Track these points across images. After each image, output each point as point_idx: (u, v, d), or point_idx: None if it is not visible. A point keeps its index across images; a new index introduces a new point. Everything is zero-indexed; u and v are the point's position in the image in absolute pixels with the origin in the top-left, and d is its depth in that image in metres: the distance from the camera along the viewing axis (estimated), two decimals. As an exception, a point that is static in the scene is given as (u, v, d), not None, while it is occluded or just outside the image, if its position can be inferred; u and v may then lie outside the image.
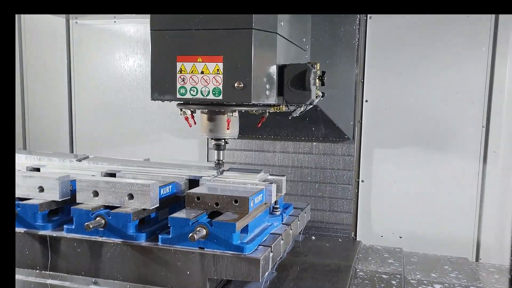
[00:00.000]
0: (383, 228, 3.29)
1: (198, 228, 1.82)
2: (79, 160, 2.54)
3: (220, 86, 1.98)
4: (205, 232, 1.82)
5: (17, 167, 2.46)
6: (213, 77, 1.97)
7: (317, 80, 2.25)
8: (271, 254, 1.94)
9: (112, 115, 3.94)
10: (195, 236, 1.76)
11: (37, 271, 1.98)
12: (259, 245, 1.96)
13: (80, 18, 3.85)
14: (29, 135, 4.16)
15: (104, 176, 2.40)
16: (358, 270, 2.52)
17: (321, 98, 2.47)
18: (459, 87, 3.07)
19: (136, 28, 3.79)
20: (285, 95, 2.12)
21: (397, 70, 3.17)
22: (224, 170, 2.44)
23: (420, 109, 3.15)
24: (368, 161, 3.29)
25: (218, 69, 1.96)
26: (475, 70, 3.03)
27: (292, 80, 2.08)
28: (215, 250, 1.83)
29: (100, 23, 3.85)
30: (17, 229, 2.00)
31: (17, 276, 1.99)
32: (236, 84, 1.95)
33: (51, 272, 1.96)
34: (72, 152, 4.08)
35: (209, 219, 1.89)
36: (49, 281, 1.95)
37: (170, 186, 2.25)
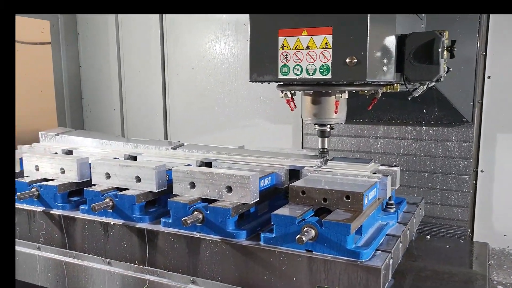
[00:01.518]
0: (507, 225, 2.80)
1: (305, 228, 1.58)
2: (174, 148, 2.43)
3: (329, 63, 1.69)
4: (314, 233, 1.57)
5: (115, 155, 2.42)
6: (321, 52, 1.69)
7: (445, 51, 1.86)
8: (391, 261, 1.64)
9: (203, 100, 3.85)
10: (304, 238, 1.52)
11: (136, 265, 1.89)
12: (376, 249, 1.67)
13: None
14: (126, 123, 4.23)
15: (200, 165, 2.26)
16: (495, 282, 2.10)
17: (445, 74, 2.07)
18: None
19: (227, 8, 3.61)
20: (406, 71, 1.78)
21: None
22: (327, 160, 2.17)
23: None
24: (490, 148, 2.81)
25: (326, 43, 1.68)
26: None
27: (416, 52, 1.73)
28: (325, 255, 1.57)
29: (191, 5, 3.74)
30: (116, 221, 1.93)
31: (116, 269, 1.92)
32: (348, 60, 1.66)
33: (149, 267, 1.86)
34: (166, 137, 4.07)
35: (317, 218, 1.63)
36: (147, 277, 1.86)
37: (270, 178, 2.03)
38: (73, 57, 4.22)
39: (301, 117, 3.35)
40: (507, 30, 2.66)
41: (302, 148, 3.42)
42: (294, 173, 2.16)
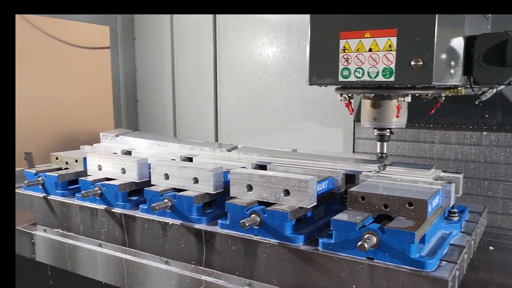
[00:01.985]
0: None
1: (367, 235, 1.54)
2: (229, 150, 2.45)
3: (392, 66, 1.64)
4: (375, 241, 1.53)
5: (171, 156, 2.48)
6: (384, 54, 1.65)
7: (518, 53, 1.76)
8: (457, 273, 1.56)
9: (254, 103, 3.87)
10: (366, 245, 1.48)
11: (192, 265, 1.92)
12: (441, 259, 1.60)
13: (225, 5, 3.82)
14: (178, 124, 4.33)
15: (254, 168, 2.27)
16: None
17: (515, 77, 1.96)
18: None
19: (280, 11, 3.61)
20: (474, 74, 1.69)
21: None
22: (385, 165, 2.11)
23: None
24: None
25: (390, 45, 1.63)
26: None
27: (486, 54, 1.65)
28: (387, 263, 1.53)
29: (244, 9, 3.77)
30: (174, 221, 1.97)
31: (173, 269, 1.96)
32: (413, 62, 1.60)
33: (205, 268, 1.88)
34: (216, 138, 4.12)
35: (379, 225, 1.59)
36: (204, 277, 1.88)
37: (326, 182, 2.00)
38: (130, 61, 4.38)
39: (354, 121, 3.32)
40: None
41: (353, 152, 3.35)
42: (350, 178, 2.12)
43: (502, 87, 1.95)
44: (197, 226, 1.91)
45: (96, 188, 2.19)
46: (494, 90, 1.92)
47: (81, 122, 3.98)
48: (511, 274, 2.20)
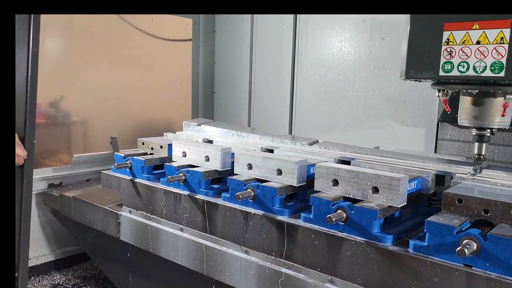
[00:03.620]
0: None
1: (466, 241, 1.43)
2: (310, 144, 2.42)
3: (503, 60, 1.52)
4: (475, 247, 1.42)
5: (252, 147, 2.49)
6: (494, 48, 1.53)
7: None
8: None
9: (331, 98, 3.79)
10: (465, 251, 1.38)
11: (273, 257, 1.91)
12: (550, 274, 1.45)
13: (308, -2, 3.78)
14: (253, 117, 4.36)
15: (337, 163, 2.21)
16: None
17: None
18: None
19: (364, 4, 3.50)
20: None
21: None
22: (482, 168, 1.96)
23: None
24: None
25: (502, 38, 1.51)
26: None
27: None
28: (488, 272, 1.41)
29: (327, 2, 3.70)
30: (256, 211, 1.97)
31: (253, 259, 1.96)
32: (528, 57, 1.47)
33: (285, 261, 1.87)
34: (290, 133, 4.10)
35: (479, 230, 1.48)
36: (283, 270, 1.86)
37: (416, 182, 1.90)
38: (209, 53, 4.48)
39: (438, 121, 3.14)
40: None
41: (435, 152, 3.18)
42: (440, 179, 2.00)
43: None
44: (279, 218, 1.90)
45: (180, 174, 2.25)
46: None
47: (161, 110, 4.15)
48: None
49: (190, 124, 2.95)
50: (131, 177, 2.52)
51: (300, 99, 4.01)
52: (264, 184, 1.97)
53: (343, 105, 3.73)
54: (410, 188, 1.85)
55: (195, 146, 2.32)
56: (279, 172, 1.98)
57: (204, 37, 4.38)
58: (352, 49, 3.63)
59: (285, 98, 4.08)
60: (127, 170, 2.53)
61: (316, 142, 2.48)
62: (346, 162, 2.21)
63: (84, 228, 2.93)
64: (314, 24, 3.80)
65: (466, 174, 1.89)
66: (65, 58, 3.48)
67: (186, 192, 2.25)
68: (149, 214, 2.43)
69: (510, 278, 1.38)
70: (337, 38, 3.68)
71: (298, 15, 3.87)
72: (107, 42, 3.69)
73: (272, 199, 1.93)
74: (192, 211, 2.22)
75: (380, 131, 3.56)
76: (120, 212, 2.56)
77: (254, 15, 4.16)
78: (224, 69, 4.49)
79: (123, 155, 2.57)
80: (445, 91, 1.83)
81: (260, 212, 1.96)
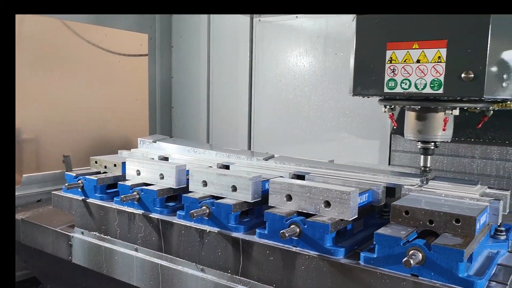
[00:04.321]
0: None
1: (412, 251, 1.49)
2: (266, 159, 2.44)
3: (441, 78, 1.60)
4: (421, 257, 1.48)
5: (208, 163, 2.49)
6: (433, 66, 1.61)
7: None
8: (507, 295, 1.49)
9: (289, 113, 3.85)
10: (411, 262, 1.43)
11: (229, 274, 1.90)
12: (490, 280, 1.53)
13: (263, 15, 3.85)
14: (212, 132, 4.35)
15: (292, 178, 2.24)
16: None
17: None
18: None
19: (318, 22, 3.60)
20: (528, 88, 1.63)
21: None
22: (428, 179, 2.05)
23: None
24: None
25: (439, 57, 1.60)
26: None
27: (542, 67, 1.58)
28: (433, 281, 1.47)
29: (281, 19, 3.78)
30: (211, 229, 1.96)
31: (209, 277, 1.95)
32: (463, 75, 1.56)
33: (241, 278, 1.87)
34: (249, 147, 4.12)
35: (424, 241, 1.54)
36: (239, 287, 1.86)
37: (367, 194, 1.96)
38: (166, 68, 4.45)
39: (391, 133, 3.25)
40: None
41: (389, 164, 3.29)
42: (390, 191, 2.07)
43: (555, 102, 1.87)
44: (234, 234, 1.90)
45: (134, 193, 2.21)
46: (548, 105, 1.85)
47: (117, 127, 4.06)
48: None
49: (145, 141, 2.92)
50: (83, 197, 2.45)
51: (258, 114, 4.05)
52: (219, 201, 1.97)
53: (300, 119, 3.80)
54: (361, 201, 1.90)
55: (149, 164, 2.29)
56: (234, 188, 1.99)
57: (161, 52, 4.36)
58: (308, 64, 3.71)
59: (243, 112, 4.10)
60: (79, 190, 2.45)
61: (272, 157, 2.50)
62: (301, 176, 2.25)
63: (34, 252, 2.81)
64: (270, 40, 3.87)
65: (413, 185, 1.97)
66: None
67: (140, 211, 2.21)
68: (102, 235, 2.36)
69: (453, 286, 1.44)
70: (293, 54, 3.76)
71: (254, 30, 3.93)
72: (60, 57, 3.59)
73: (227, 216, 1.93)
74: (147, 231, 2.18)
75: (337, 143, 3.65)
76: (71, 234, 2.48)
77: (211, 30, 4.19)
78: (182, 84, 4.47)
79: (74, 174, 2.49)
80: (392, 107, 1.91)
81: (216, 229, 1.96)
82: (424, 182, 2.00)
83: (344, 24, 3.32)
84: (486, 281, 1.49)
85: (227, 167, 2.45)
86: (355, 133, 3.57)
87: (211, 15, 4.16)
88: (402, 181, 2.04)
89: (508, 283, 1.52)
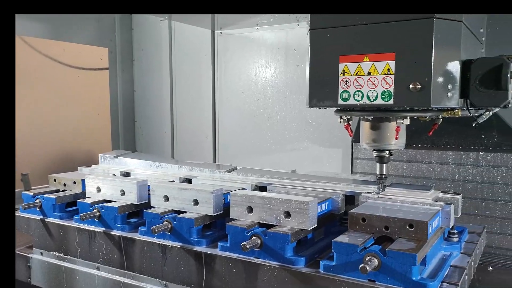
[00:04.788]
0: None
1: (368, 258, 1.53)
2: (229, 171, 2.46)
3: (391, 89, 1.67)
4: (377, 263, 1.53)
5: (170, 178, 2.48)
6: (383, 78, 1.68)
7: (513, 77, 1.79)
8: (459, 295, 1.56)
9: (253, 124, 3.89)
10: (367, 268, 1.48)
11: (192, 288, 1.90)
12: (442, 281, 1.60)
13: (224, 28, 3.89)
14: (177, 145, 4.33)
15: (254, 189, 2.27)
16: None
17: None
18: None
19: (278, 34, 3.68)
20: (471, 97, 1.72)
21: None
22: (385, 186, 2.12)
23: None
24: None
25: (389, 69, 1.66)
26: None
27: (482, 78, 1.68)
28: (389, 285, 1.52)
29: (242, 32, 3.83)
30: (174, 243, 1.95)
31: (173, 292, 1.94)
32: (411, 86, 1.63)
33: (205, 291, 1.87)
34: (215, 159, 4.13)
35: (380, 247, 1.59)
36: (203, 301, 1.86)
37: (326, 203, 2.01)
38: (128, 81, 4.41)
39: (352, 142, 3.34)
40: None
41: (351, 172, 3.36)
42: (350, 199, 2.13)
43: (497, 109, 1.98)
44: (197, 248, 1.90)
45: (94, 211, 2.17)
46: (491, 113, 1.95)
47: (78, 142, 3.98)
48: (512, 295, 2.20)
49: (106, 156, 2.87)
50: (42, 217, 2.38)
51: (222, 126, 4.07)
52: (180, 215, 1.96)
53: (264, 130, 3.85)
54: (321, 210, 1.94)
55: (109, 180, 2.26)
56: (196, 202, 1.99)
57: (122, 65, 4.32)
58: (270, 75, 3.77)
59: (207, 124, 4.11)
60: (37, 209, 2.39)
61: (235, 169, 2.52)
62: (264, 187, 2.28)
63: (-9, 275, 2.70)
64: (232, 52, 3.91)
65: (371, 193, 2.03)
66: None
67: (101, 229, 2.17)
68: (62, 255, 2.31)
69: (408, 289, 1.49)
70: (255, 65, 3.81)
71: (215, 42, 3.96)
72: (19, 72, 3.49)
73: (189, 230, 1.93)
74: (108, 248, 2.14)
75: (300, 153, 3.71)
76: (30, 255, 2.40)
77: (172, 42, 4.19)
78: (145, 97, 4.44)
79: (32, 194, 2.43)
80: (349, 117, 1.97)
81: (178, 244, 1.95)
82: (381, 189, 2.07)
83: (303, 36, 3.40)
84: (439, 283, 1.55)
85: (190, 181, 2.44)
86: (318, 142, 3.64)
87: (172, 28, 4.17)
88: (361, 189, 2.10)
89: (459, 283, 1.59)
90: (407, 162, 3.07)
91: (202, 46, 4.02)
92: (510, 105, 1.83)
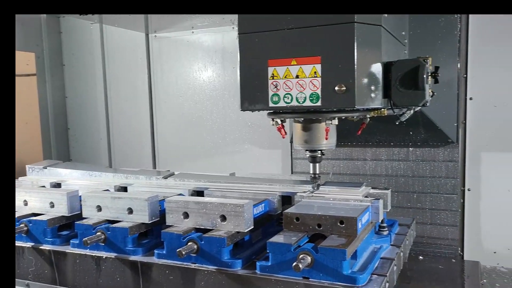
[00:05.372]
0: (496, 243, 2.82)
1: (301, 256, 1.58)
2: (165, 178, 2.42)
3: (318, 91, 1.73)
4: (310, 260, 1.58)
5: (105, 187, 2.40)
6: (310, 81, 1.73)
7: (430, 77, 1.92)
8: (387, 285, 1.64)
9: (192, 127, 3.86)
10: (300, 266, 1.52)
11: (129, 299, 1.85)
12: (372, 273, 1.67)
13: (159, 31, 3.82)
14: (114, 152, 4.20)
15: (192, 194, 2.26)
16: (489, 302, 2.12)
17: (430, 98, 2.13)
18: None
19: (214, 37, 3.68)
20: (393, 97, 1.82)
21: (507, 61, 2.70)
22: (319, 184, 2.19)
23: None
24: (475, 167, 2.85)
25: (315, 72, 1.72)
26: None
27: (402, 79, 1.78)
28: (322, 281, 1.57)
29: (178, 35, 3.79)
30: (108, 254, 1.89)
31: (109, 304, 1.88)
32: (337, 88, 1.70)
33: (143, 301, 1.83)
34: (155, 165, 4.05)
35: (313, 244, 1.64)
36: (141, 311, 1.82)
37: (263, 205, 2.04)
38: (59, 88, 4.21)
39: (290, 142, 3.41)
40: (484, 53, 2.76)
41: (292, 172, 3.43)
42: (287, 199, 2.17)
43: (418, 108, 2.11)
44: (132, 258, 1.85)
45: (22, 225, 2.06)
46: (412, 111, 2.08)
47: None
48: (438, 281, 2.36)
49: (34, 167, 2.73)
50: (-37, 235, 2.22)
51: (161, 131, 4.00)
52: (114, 225, 1.91)
53: (203, 133, 3.82)
54: (257, 212, 1.97)
55: (37, 192, 2.15)
56: (130, 211, 1.95)
57: (51, 71, 4.11)
58: (207, 78, 3.76)
59: (145, 130, 4.02)
60: (-43, 227, 2.22)
61: (172, 174, 2.49)
62: (201, 192, 2.27)
63: None
64: (168, 55, 3.86)
65: (306, 192, 2.09)
66: None
67: (29, 244, 2.06)
68: (-13, 274, 2.16)
69: (339, 283, 1.55)
70: (192, 69, 3.79)
71: (150, 46, 3.89)
72: None
73: (124, 240, 1.88)
74: (38, 264, 2.04)
75: (241, 155, 3.72)
76: (-49, 277, 2.22)
77: (105, 47, 4.07)
78: (78, 103, 4.26)
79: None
80: (282, 119, 2.01)
81: (113, 254, 1.89)
82: (315, 188, 2.13)
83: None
84: (368, 275, 1.63)
85: (125, 189, 2.38)
86: (258, 144, 3.68)
87: (104, 31, 4.04)
88: (296, 189, 2.15)
89: (388, 274, 1.68)
90: (343, 160, 3.18)
91: (136, 49, 3.93)
92: (428, 104, 1.97)
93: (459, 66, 2.67)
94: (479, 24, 2.73)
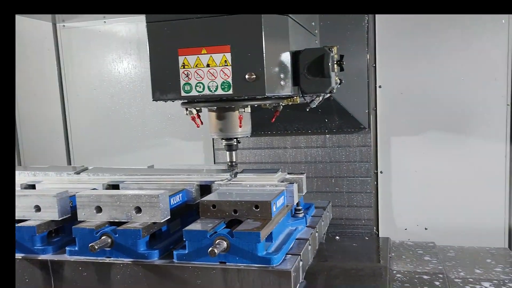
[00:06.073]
0: (406, 220, 3.08)
1: (217, 241, 1.61)
2: (78, 173, 2.32)
3: (229, 79, 1.76)
4: (225, 245, 1.61)
5: (10, 185, 2.24)
6: (221, 69, 1.75)
7: (335, 65, 2.03)
8: (301, 263, 1.73)
9: (108, 121, 3.72)
10: (216, 251, 1.54)
11: (40, 301, 1.76)
12: (287, 253, 1.75)
13: (67, 20, 3.62)
14: (23, 150, 3.93)
15: (106, 188, 2.19)
16: (394, 271, 2.31)
17: (338, 86, 2.25)
18: (478, 65, 2.85)
19: (128, 27, 3.56)
20: (301, 85, 1.90)
21: (411, 51, 2.95)
22: (237, 172, 2.23)
23: (438, 91, 2.92)
24: (386, 151, 3.08)
25: (225, 61, 1.74)
26: (495, 44, 2.81)
27: (309, 67, 1.87)
28: (238, 264, 1.62)
29: (89, 25, 3.62)
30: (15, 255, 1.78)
31: (17, 309, 1.78)
32: (247, 76, 1.73)
33: (55, 301, 1.75)
34: (70, 161, 3.86)
35: (229, 229, 1.68)
36: (54, 312, 1.74)
37: (180, 195, 2.03)
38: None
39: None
40: (390, 44, 2.97)
41: (214, 163, 3.45)
42: (206, 189, 2.18)
43: (328, 95, 2.23)
44: (41, 257, 1.76)
45: None
46: (321, 98, 2.18)
47: None
48: (353, 257, 2.52)
49: None
50: None
51: (75, 125, 3.80)
52: (20, 224, 1.80)
53: (121, 127, 3.70)
54: (174, 202, 1.97)
55: None
56: (38, 208, 1.85)
57: None
58: (123, 70, 3.64)
59: (57, 125, 3.81)
60: None
61: (86, 169, 2.39)
62: (116, 186, 2.21)
63: None
64: (78, 46, 3.67)
65: (223, 180, 2.12)
66: None
67: None
68: None
69: (255, 265, 1.61)
70: (106, 60, 3.64)
71: (58, 37, 3.68)
72: None
73: (31, 239, 1.79)
74: None
75: (162, 148, 3.66)
76: None
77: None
78: (-21, 99, 3.91)
79: None
80: (197, 108, 2.02)
81: (20, 255, 1.79)
82: (233, 176, 2.17)
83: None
84: (283, 255, 1.69)
85: (33, 186, 2.25)
86: (179, 136, 3.65)
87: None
88: (215, 178, 2.17)
89: (301, 253, 1.76)
90: (265, 149, 3.26)
91: (43, 40, 3.69)
92: (335, 90, 2.08)
93: (368, 56, 2.85)
94: (386, 16, 2.94)
